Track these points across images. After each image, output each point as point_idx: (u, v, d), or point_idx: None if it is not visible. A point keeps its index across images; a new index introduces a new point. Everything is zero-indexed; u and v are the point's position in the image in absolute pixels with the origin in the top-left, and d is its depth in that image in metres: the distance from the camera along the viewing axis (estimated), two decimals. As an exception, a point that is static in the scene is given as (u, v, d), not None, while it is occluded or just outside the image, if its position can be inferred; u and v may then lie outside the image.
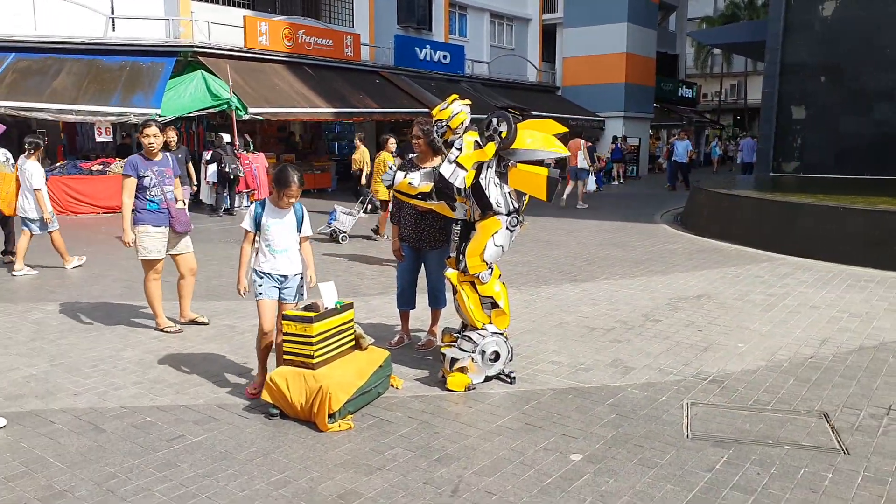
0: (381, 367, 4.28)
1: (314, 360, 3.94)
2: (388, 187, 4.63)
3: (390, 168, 4.72)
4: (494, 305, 4.58)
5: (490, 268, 4.54)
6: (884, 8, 15.44)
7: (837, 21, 16.21)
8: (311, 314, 3.97)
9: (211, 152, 15.18)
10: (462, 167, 4.33)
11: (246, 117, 16.21)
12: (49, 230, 8.38)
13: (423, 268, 5.36)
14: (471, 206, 4.52)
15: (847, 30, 16.02)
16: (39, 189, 8.15)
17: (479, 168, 4.40)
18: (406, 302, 5.41)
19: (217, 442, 3.70)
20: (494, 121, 4.38)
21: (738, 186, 13.56)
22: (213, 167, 14.99)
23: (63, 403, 4.25)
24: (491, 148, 4.34)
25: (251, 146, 16.27)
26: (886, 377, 4.66)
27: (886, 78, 15.49)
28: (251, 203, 15.80)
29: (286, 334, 4.02)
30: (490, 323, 4.59)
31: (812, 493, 3.14)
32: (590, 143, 17.62)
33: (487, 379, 4.56)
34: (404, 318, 5.52)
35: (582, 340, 5.57)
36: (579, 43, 32.49)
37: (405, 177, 4.51)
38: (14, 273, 8.14)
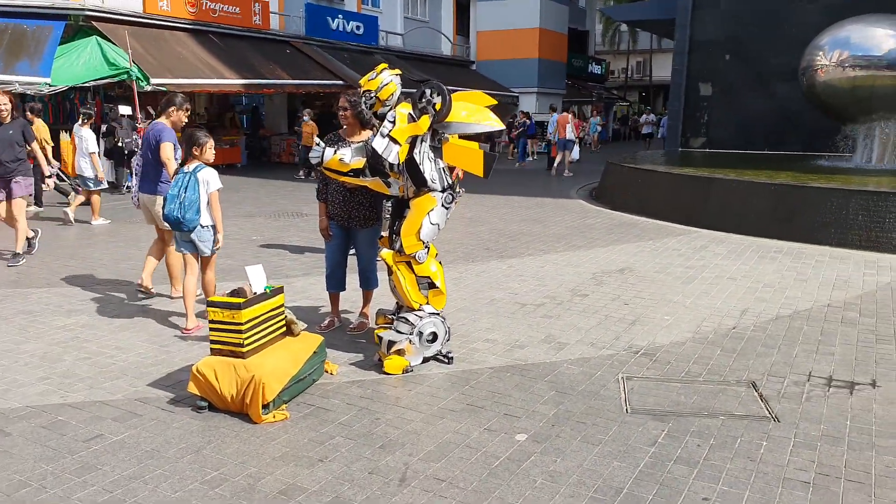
0: (315, 353, 4.10)
1: (244, 349, 3.72)
2: (317, 165, 4.40)
3: (317, 144, 4.48)
4: (431, 285, 4.47)
5: (426, 247, 4.41)
6: (786, -12, 16.17)
7: (743, 0, 16.86)
8: (239, 300, 3.73)
9: (106, 126, 14.23)
10: (395, 141, 4.16)
11: (148, 88, 15.27)
12: (98, 188, 10.04)
13: (351, 247, 5.18)
14: (404, 182, 4.36)
15: (752, 8, 16.71)
16: (94, 153, 9.90)
17: (412, 142, 4.23)
18: (336, 284, 5.21)
19: (141, 440, 3.43)
20: (427, 92, 4.21)
21: (648, 161, 13.96)
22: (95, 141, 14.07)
23: (-41, 405, 3.84)
24: (425, 121, 4.19)
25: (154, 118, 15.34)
26: (803, 344, 4.88)
27: (788, 57, 16.24)
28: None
29: (213, 322, 3.77)
30: (427, 303, 4.48)
31: (750, 461, 3.22)
32: (576, 119, 18.96)
33: (425, 360, 4.46)
34: (334, 300, 5.33)
35: (514, 317, 5.56)
36: (493, 17, 32.51)
37: (335, 153, 4.29)
38: (93, 223, 9.87)
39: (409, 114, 4.25)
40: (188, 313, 5.14)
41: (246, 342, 3.72)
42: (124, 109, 14.30)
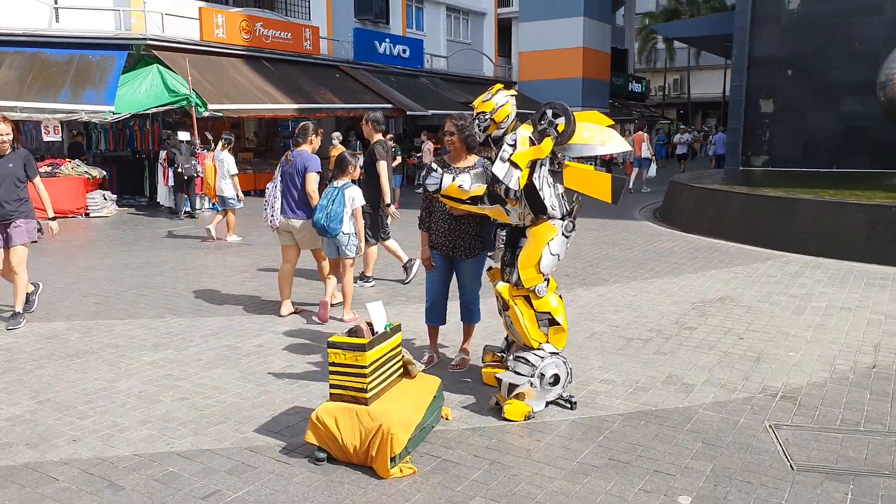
0: (435, 397, 3.77)
1: (368, 395, 3.41)
2: (434, 192, 4.09)
3: (435, 170, 4.19)
4: (552, 322, 4.11)
5: (546, 280, 4.07)
6: (850, 1, 15.61)
7: (804, 14, 16.35)
8: (364, 340, 3.42)
9: (166, 152, 14.25)
10: (516, 166, 3.84)
11: (206, 114, 15.33)
12: (236, 206, 10.76)
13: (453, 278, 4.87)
14: (522, 209, 4.04)
15: (814, 23, 16.18)
16: (235, 174, 10.63)
17: (531, 167, 3.91)
18: (437, 317, 4.89)
19: (263, 498, 3.13)
20: (549, 112, 3.90)
21: (717, 181, 13.46)
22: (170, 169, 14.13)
23: (62, 453, 3.60)
24: (548, 144, 3.86)
25: (212, 144, 15.35)
26: (961, 387, 4.40)
27: (853, 71, 15.69)
28: (213, 205, 14.93)
29: (332, 364, 3.46)
30: (547, 342, 4.12)
31: (970, 536, 2.79)
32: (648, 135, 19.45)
33: (546, 404, 4.10)
34: (433, 334, 5.01)
35: (623, 353, 5.17)
36: (535, 37, 32.34)
37: (453, 179, 3.98)
38: (229, 239, 10.62)
39: (530, 137, 3.93)
40: (325, 307, 6.08)
41: (369, 387, 3.41)
42: (183, 135, 14.33)
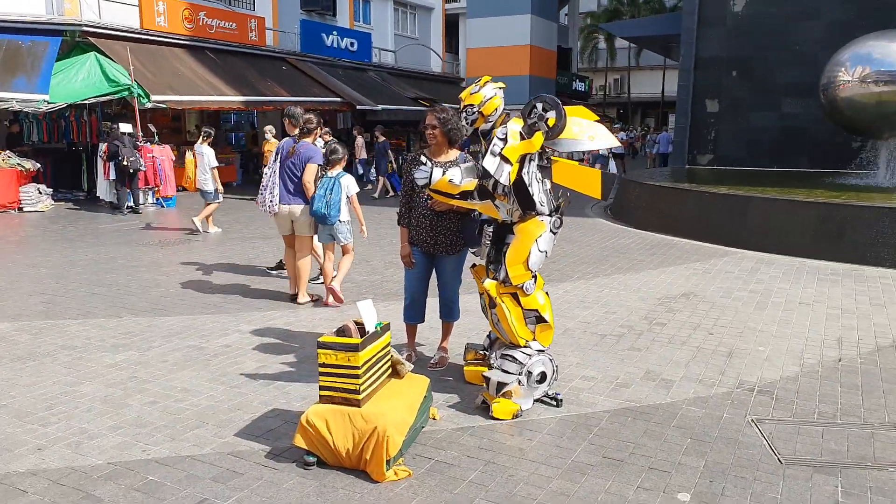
0: (425, 397, 3.68)
1: (360, 396, 3.29)
2: (423, 186, 3.99)
3: (424, 164, 4.07)
4: (539, 319, 4.07)
5: (534, 277, 4.03)
6: (793, 4, 16.17)
7: (748, 16, 16.86)
8: (356, 340, 3.30)
9: (107, 144, 13.60)
10: (507, 161, 3.77)
11: (149, 105, 14.74)
12: (217, 200, 10.60)
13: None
14: (511, 205, 3.98)
15: (757, 25, 16.70)
16: (214, 167, 10.41)
17: (521, 162, 3.86)
18: (415, 315, 4.80)
19: (255, 507, 2.98)
20: (539, 106, 3.84)
21: (664, 179, 13.75)
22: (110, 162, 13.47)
23: (28, 463, 3.35)
24: (539, 138, 3.82)
25: (157, 138, 14.80)
26: (923, 378, 4.58)
27: (793, 73, 16.27)
28: (156, 200, 14.40)
29: (323, 365, 3.33)
30: (534, 339, 4.08)
31: (960, 524, 2.87)
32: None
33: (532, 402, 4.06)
34: (411, 333, 4.92)
35: (599, 350, 5.18)
36: (483, 34, 32.47)
37: (443, 174, 3.89)
38: (209, 231, 10.72)
39: (520, 131, 3.87)
40: (334, 292, 6.26)
41: (362, 388, 3.29)
42: (125, 127, 13.74)
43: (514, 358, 3.98)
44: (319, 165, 6.32)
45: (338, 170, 6.14)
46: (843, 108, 12.31)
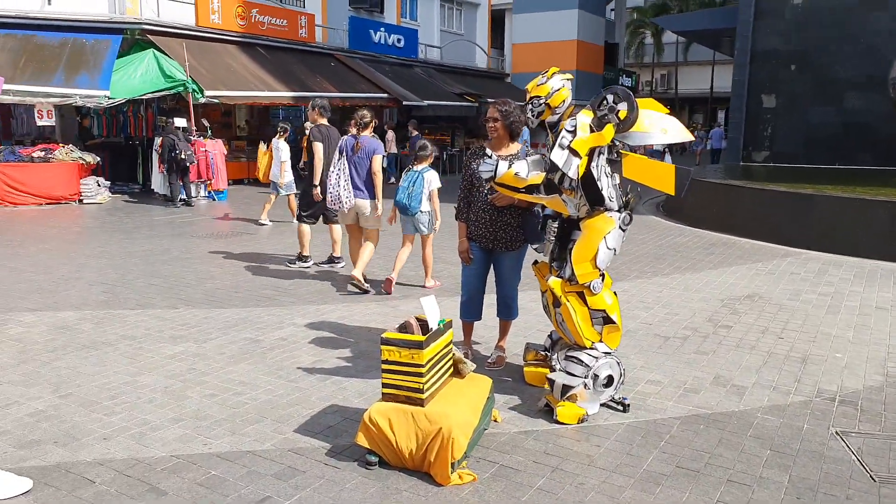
0: (488, 398, 3.56)
1: (424, 395, 3.19)
2: (488, 179, 3.86)
3: (488, 157, 3.95)
4: (607, 320, 3.91)
5: (601, 275, 3.87)
6: (854, -3, 15.54)
7: (809, 8, 16.25)
8: (420, 338, 3.20)
9: (162, 138, 13.82)
10: (576, 154, 3.62)
11: (203, 100, 14.96)
12: (288, 192, 10.97)
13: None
14: (578, 200, 3.82)
15: (817, 17, 16.08)
16: (285, 161, 10.69)
17: (589, 155, 3.70)
18: (473, 312, 4.68)
19: (317, 507, 2.90)
20: (610, 98, 3.67)
21: (720, 176, 13.33)
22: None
23: (95, 452, 3.35)
24: (609, 131, 3.65)
25: (209, 132, 14.99)
26: None
27: (856, 67, 15.62)
28: (208, 193, 14.59)
29: (386, 362, 3.24)
30: (600, 341, 3.92)
31: None
32: None
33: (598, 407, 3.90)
34: (468, 330, 4.80)
35: (663, 353, 4.99)
36: (529, 29, 32.07)
37: (509, 167, 3.75)
38: (261, 222, 11.16)
39: (590, 123, 3.71)
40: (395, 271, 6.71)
41: (426, 387, 3.19)
42: (180, 122, 13.97)
43: (579, 360, 3.83)
44: (384, 155, 6.80)
45: (424, 165, 6.52)
46: (913, 104, 11.74)
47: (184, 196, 13.82)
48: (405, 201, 6.39)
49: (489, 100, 25.63)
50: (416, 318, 3.48)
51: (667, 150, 19.60)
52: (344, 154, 6.60)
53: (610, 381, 3.87)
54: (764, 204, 10.24)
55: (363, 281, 6.59)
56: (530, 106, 3.92)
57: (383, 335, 3.27)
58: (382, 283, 6.70)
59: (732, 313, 6.03)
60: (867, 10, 15.44)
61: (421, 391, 3.18)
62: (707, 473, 3.24)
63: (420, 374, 3.17)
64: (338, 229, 7.73)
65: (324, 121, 7.49)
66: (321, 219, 7.79)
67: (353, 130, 6.76)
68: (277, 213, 11.64)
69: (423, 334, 3.31)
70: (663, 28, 41.22)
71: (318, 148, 7.29)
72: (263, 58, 18.58)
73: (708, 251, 9.01)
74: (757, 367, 4.69)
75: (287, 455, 3.35)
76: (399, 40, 24.67)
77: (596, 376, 3.81)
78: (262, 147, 11.81)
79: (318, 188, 7.27)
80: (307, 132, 12.57)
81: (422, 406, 3.18)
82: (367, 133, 6.69)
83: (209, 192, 14.64)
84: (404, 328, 3.40)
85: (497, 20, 34.48)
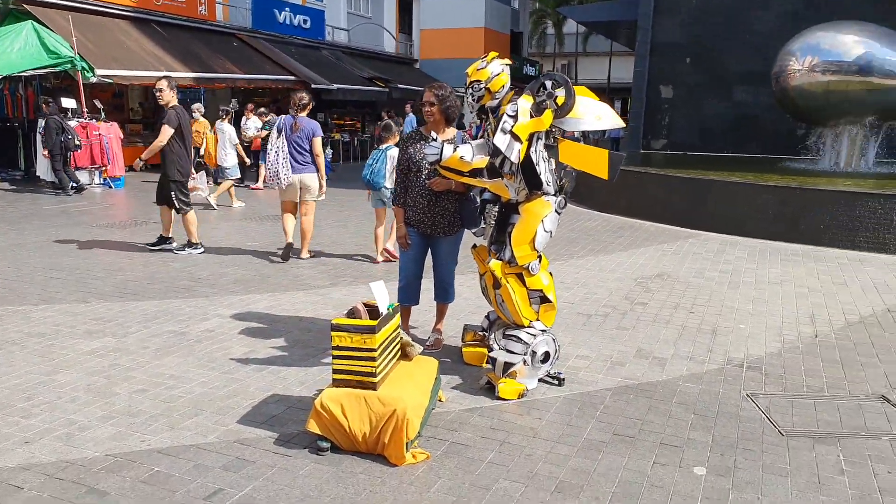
0: (436, 379, 3.64)
1: (376, 379, 3.22)
2: (433, 163, 3.90)
3: (433, 140, 3.97)
4: (544, 299, 4.07)
5: (539, 257, 4.02)
6: (747, -7, 16.53)
7: (703, 4, 17.13)
8: (372, 322, 3.22)
9: (45, 120, 12.85)
10: (518, 139, 3.72)
11: (94, 80, 14.06)
12: (232, 177, 11.26)
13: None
14: (518, 184, 3.94)
15: (711, 13, 17.00)
16: (237, 144, 11.31)
17: (528, 140, 3.82)
18: (412, 296, 4.72)
19: (275, 494, 2.88)
20: (548, 84, 3.80)
21: (626, 163, 13.90)
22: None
23: (17, 457, 3.16)
24: (548, 116, 3.78)
25: (103, 114, 14.13)
26: (897, 353, 4.79)
27: (744, 62, 16.66)
28: (104, 181, 13.79)
29: (336, 348, 3.24)
30: (537, 319, 4.08)
31: (963, 490, 3.01)
32: None
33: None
34: (405, 315, 4.84)
35: (588, 329, 5.23)
36: (437, 15, 32.12)
37: (454, 150, 3.81)
38: (234, 205, 11.24)
39: (530, 109, 3.82)
40: (389, 252, 7.33)
41: (378, 371, 3.22)
42: (68, 103, 13.10)
43: (518, 338, 3.97)
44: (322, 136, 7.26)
45: (388, 144, 6.96)
46: (794, 97, 12.66)
47: (74, 183, 12.97)
48: (370, 178, 6.88)
49: (399, 85, 25.72)
50: (363, 304, 3.49)
51: (581, 138, 20.09)
52: (283, 133, 6.96)
53: (547, 357, 4.03)
54: (667, 190, 10.82)
55: (309, 255, 7.44)
56: (470, 90, 3.99)
57: (333, 321, 3.26)
58: (372, 259, 7.46)
59: (646, 291, 6.39)
60: (752, 8, 16.48)
61: (374, 375, 3.21)
62: (641, 439, 3.45)
63: (373, 359, 3.20)
64: (191, 216, 7.64)
65: (175, 101, 7.35)
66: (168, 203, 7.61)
67: (293, 112, 7.09)
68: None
69: (371, 319, 3.33)
70: (564, 18, 42.27)
71: (167, 132, 7.12)
72: (160, 36, 17.68)
73: (617, 234, 9.44)
74: (673, 340, 5.00)
75: (233, 446, 3.30)
76: (305, 21, 24.08)
77: (534, 353, 3.96)
78: (209, 132, 11.96)
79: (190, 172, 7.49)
80: (195, 116, 12.46)
81: (374, 390, 3.21)
82: (304, 114, 7.08)
83: (105, 180, 13.84)
84: (352, 314, 3.41)
85: (405, 5, 34.28)
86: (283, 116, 7.15)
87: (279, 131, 6.97)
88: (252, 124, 14.23)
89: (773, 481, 3.06)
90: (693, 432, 3.54)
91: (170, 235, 7.81)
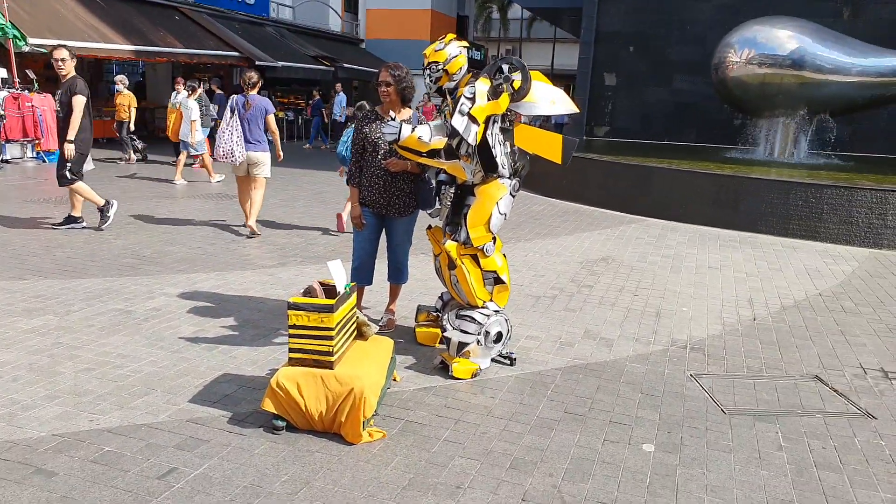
0: (392, 358, 3.66)
1: (333, 358, 3.22)
2: (391, 143, 3.87)
3: (391, 119, 3.94)
4: (497, 281, 4.13)
5: (493, 239, 4.07)
6: (686, -15, 16.94)
7: (646, -6, 17.48)
8: (330, 301, 3.22)
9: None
10: (475, 121, 3.75)
11: (26, 49, 13.40)
12: (201, 152, 11.63)
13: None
14: (474, 166, 3.97)
15: (652, 3, 17.35)
16: (195, 120, 11.27)
17: (485, 123, 3.85)
18: (365, 277, 4.71)
19: (230, 473, 2.86)
20: (505, 68, 3.84)
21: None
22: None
23: (-41, 438, 3.04)
24: (505, 100, 3.82)
25: (36, 85, 13.47)
26: (831, 336, 5.05)
27: (684, 52, 17.09)
28: (36, 154, 13.21)
29: (293, 327, 3.23)
30: (491, 300, 4.14)
31: (887, 463, 3.22)
32: None
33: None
34: (358, 295, 4.82)
35: (537, 311, 5.34)
36: (384, -6, 31.76)
37: (412, 130, 3.80)
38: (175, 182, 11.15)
39: (487, 92, 3.84)
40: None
41: (335, 350, 3.22)
42: (-1, 72, 12.46)
43: (472, 318, 4.02)
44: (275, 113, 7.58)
45: None
46: (732, 87, 13.08)
47: (5, 155, 12.39)
48: (344, 153, 6.80)
49: (345, 64, 25.36)
50: (319, 283, 3.48)
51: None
52: (235, 112, 7.14)
53: (499, 337, 4.10)
54: (610, 176, 11.05)
55: (256, 229, 7.49)
56: (428, 71, 3.99)
57: (290, 300, 3.24)
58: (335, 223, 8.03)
59: (591, 274, 6.54)
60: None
61: (331, 354, 3.21)
62: (592, 417, 3.56)
63: (330, 338, 3.20)
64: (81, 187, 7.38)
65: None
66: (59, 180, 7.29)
67: (244, 90, 7.24)
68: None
69: (327, 298, 3.33)
70: (509, 3, 42.37)
71: (82, 102, 7.02)
72: (97, 6, 16.93)
73: (562, 219, 9.61)
74: (619, 322, 5.16)
75: (186, 426, 3.25)
76: (248, -4, 23.47)
77: (487, 333, 4.02)
78: (170, 105, 12.16)
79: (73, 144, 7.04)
80: (119, 89, 12.26)
81: (331, 368, 3.22)
82: (254, 92, 7.23)
83: (38, 153, 13.25)
84: (309, 293, 3.39)
85: (350, -17, 33.78)
86: (235, 96, 7.26)
87: (232, 111, 7.12)
88: (181, 98, 13.71)
89: (718, 457, 3.21)
90: (641, 411, 3.67)
91: (79, 215, 7.52)
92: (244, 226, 7.68)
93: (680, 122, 17.50)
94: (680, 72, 17.31)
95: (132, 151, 13.97)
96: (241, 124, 7.08)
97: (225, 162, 7.19)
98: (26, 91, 13.05)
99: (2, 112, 12.25)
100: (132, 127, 13.85)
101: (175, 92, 13.90)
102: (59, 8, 15.63)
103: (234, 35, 20.50)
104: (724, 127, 16.53)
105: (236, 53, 19.48)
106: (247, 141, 7.11)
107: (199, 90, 12.29)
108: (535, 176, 13.18)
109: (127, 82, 13.88)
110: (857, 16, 15.47)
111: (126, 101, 13.62)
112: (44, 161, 13.10)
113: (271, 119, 7.31)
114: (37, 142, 13.16)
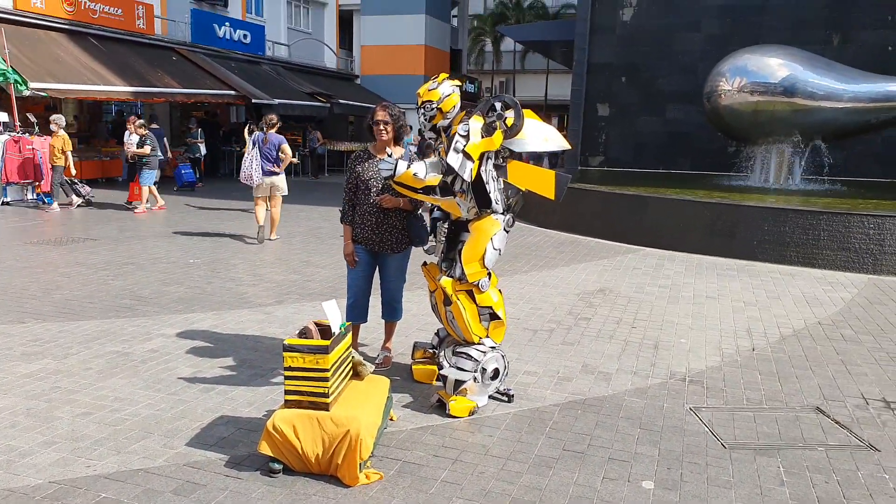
0: (388, 398, 3.65)
1: (329, 399, 3.22)
2: (386, 178, 3.91)
3: (388, 156, 3.98)
4: (493, 316, 4.13)
5: (488, 274, 4.09)
6: (676, 17, 17.22)
7: (636, 26, 17.75)
8: (325, 343, 3.22)
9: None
10: (470, 158, 3.80)
11: (27, 93, 13.58)
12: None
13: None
14: (469, 203, 4.01)
15: (644, 35, 17.62)
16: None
17: (479, 160, 3.90)
18: (359, 314, 4.72)
19: (227, 519, 2.84)
20: (498, 105, 3.91)
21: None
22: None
23: (-47, 488, 3.02)
24: (499, 137, 3.88)
25: (37, 128, 13.61)
26: (832, 365, 5.02)
27: (676, 82, 17.32)
28: (36, 196, 13.29)
29: (288, 369, 3.23)
30: (487, 336, 4.14)
31: (891, 497, 3.19)
32: None
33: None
34: (354, 333, 4.84)
35: (534, 345, 5.33)
36: (377, 32, 32.25)
37: (408, 167, 3.85)
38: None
39: (481, 129, 3.90)
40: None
41: (331, 391, 3.22)
42: (1, 116, 12.58)
43: (468, 355, 4.02)
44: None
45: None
46: (724, 116, 13.22)
47: (6, 198, 12.48)
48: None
49: (340, 100, 25.64)
50: (315, 323, 3.49)
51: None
52: (256, 146, 9.17)
53: (496, 373, 4.09)
54: (605, 205, 11.11)
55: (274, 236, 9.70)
56: (422, 110, 4.05)
57: (286, 342, 3.25)
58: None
59: (589, 306, 6.55)
60: (683, 31, 17.17)
61: (326, 395, 3.21)
62: (591, 454, 3.54)
63: (325, 379, 3.20)
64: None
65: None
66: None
67: (265, 129, 9.20)
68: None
69: (322, 339, 3.33)
70: (502, 36, 43.05)
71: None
72: (97, 49, 17.21)
73: (558, 250, 9.65)
74: (617, 355, 5.15)
75: (183, 470, 3.23)
76: (245, 36, 23.85)
77: (484, 370, 4.02)
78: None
79: None
80: (53, 129, 12.24)
81: (327, 410, 3.21)
82: (273, 131, 9.21)
83: (38, 195, 13.33)
84: (304, 334, 3.40)
85: (345, 21, 34.32)
86: (257, 132, 9.29)
87: (253, 144, 9.20)
88: (134, 140, 12.83)
89: (718, 493, 3.18)
90: (640, 446, 3.65)
91: None
92: (255, 238, 9.58)
93: (673, 151, 17.64)
94: (672, 101, 17.51)
95: (74, 195, 12.85)
96: (259, 155, 9.12)
97: (247, 184, 9.23)
98: (27, 134, 13.19)
99: None
100: (73, 171, 12.81)
101: (128, 132, 13.55)
102: (60, 53, 15.87)
103: (231, 74, 20.77)
104: (717, 155, 16.66)
105: (233, 92, 19.73)
106: (265, 169, 9.20)
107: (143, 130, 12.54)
108: (530, 207, 13.28)
109: (63, 122, 12.71)
110: (846, 42, 15.71)
111: (59, 144, 12.43)
112: (43, 202, 13.17)
113: (285, 146, 9.31)
114: (37, 184, 13.25)
